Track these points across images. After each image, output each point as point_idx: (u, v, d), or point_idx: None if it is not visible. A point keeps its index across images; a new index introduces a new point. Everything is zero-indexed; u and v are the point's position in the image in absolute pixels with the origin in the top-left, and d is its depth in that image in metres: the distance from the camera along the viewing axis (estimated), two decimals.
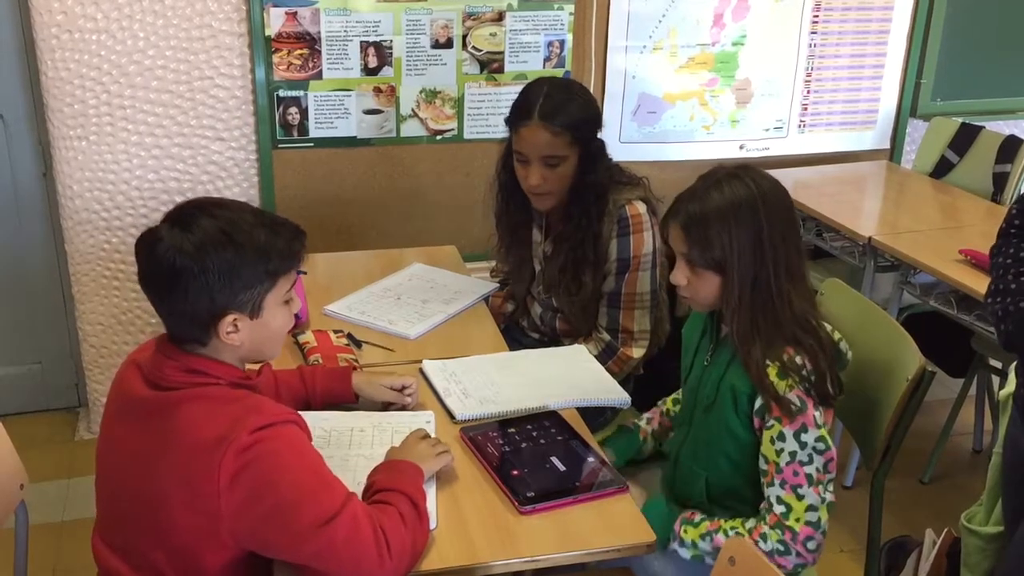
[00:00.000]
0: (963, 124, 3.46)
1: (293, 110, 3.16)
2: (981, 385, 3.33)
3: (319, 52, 3.11)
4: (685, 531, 1.84)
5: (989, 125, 3.47)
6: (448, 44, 3.20)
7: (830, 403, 1.75)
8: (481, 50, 3.23)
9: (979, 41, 3.64)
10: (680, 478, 1.98)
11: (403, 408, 1.97)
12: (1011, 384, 1.89)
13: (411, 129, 3.26)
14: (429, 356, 2.18)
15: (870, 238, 2.95)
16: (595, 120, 2.32)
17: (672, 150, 3.47)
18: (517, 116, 2.30)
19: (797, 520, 1.73)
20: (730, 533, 1.79)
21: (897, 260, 2.93)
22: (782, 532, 1.74)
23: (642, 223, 2.31)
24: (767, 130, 3.58)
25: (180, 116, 3.10)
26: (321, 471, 1.52)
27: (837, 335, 1.80)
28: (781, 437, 1.73)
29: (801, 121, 3.61)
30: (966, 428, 3.41)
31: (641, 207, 2.32)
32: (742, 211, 1.72)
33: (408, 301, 2.45)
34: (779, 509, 1.74)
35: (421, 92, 3.23)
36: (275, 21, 3.05)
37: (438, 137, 3.30)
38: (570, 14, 3.25)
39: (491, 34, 3.22)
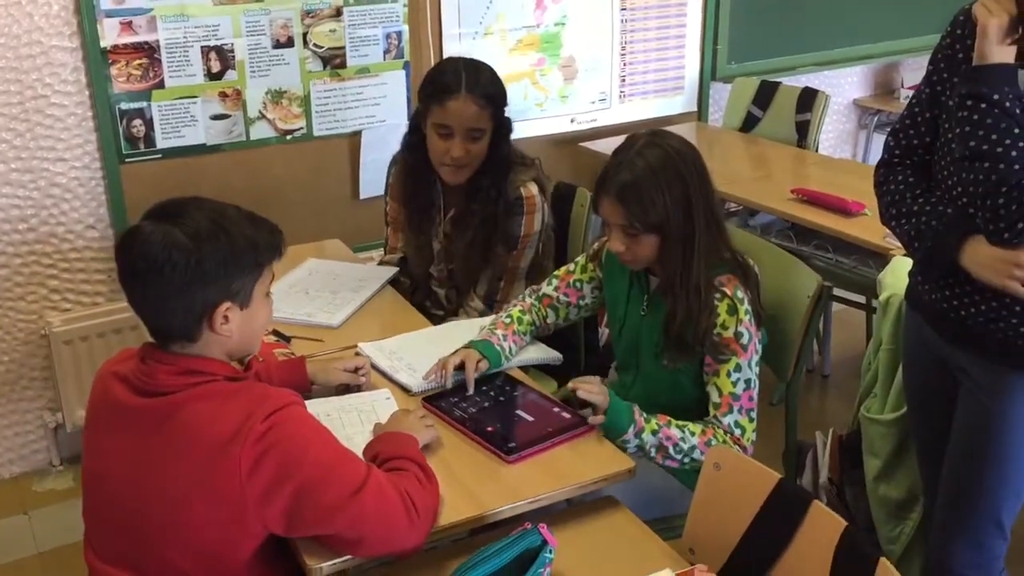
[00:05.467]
0: (763, 82, 3.85)
1: (137, 122, 3.06)
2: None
3: (159, 60, 3.03)
4: (647, 419, 1.89)
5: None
6: (289, 43, 3.21)
7: (761, 322, 1.96)
8: (322, 47, 3.26)
9: (762, 7, 4.05)
10: None
11: (358, 389, 2.02)
12: (889, 289, 2.19)
13: (260, 131, 3.25)
14: (360, 341, 2.23)
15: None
16: (505, 96, 2.44)
17: None
18: (441, 90, 2.36)
19: (747, 438, 1.95)
20: (684, 431, 1.90)
21: (737, 205, 3.24)
22: (741, 450, 1.91)
23: (535, 205, 2.45)
24: (593, 103, 3.82)
25: (16, 139, 2.93)
26: (337, 445, 1.57)
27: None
28: (738, 368, 1.92)
29: (621, 92, 3.88)
30: None
31: (534, 188, 2.45)
32: (668, 172, 1.87)
33: (317, 294, 2.48)
34: (737, 432, 1.93)
35: (267, 93, 3.22)
36: (110, 32, 2.95)
37: (288, 137, 3.30)
38: (404, 5, 3.34)
39: (331, 30, 3.26)
